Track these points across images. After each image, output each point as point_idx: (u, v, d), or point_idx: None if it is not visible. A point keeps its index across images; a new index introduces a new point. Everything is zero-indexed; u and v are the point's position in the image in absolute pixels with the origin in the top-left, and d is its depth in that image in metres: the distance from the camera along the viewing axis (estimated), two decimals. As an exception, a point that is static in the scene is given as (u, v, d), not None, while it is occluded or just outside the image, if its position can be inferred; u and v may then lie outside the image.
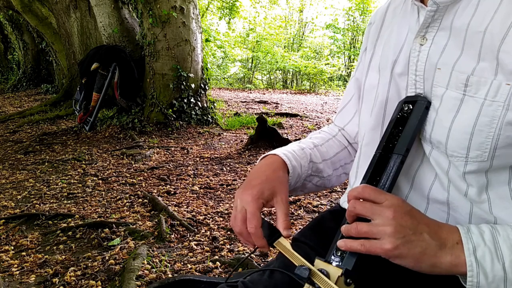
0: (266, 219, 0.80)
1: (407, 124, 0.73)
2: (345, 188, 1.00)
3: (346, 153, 1.03)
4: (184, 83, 6.10)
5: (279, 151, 0.90)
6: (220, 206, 3.09)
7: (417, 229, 0.62)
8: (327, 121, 7.45)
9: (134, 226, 2.69)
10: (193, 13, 6.13)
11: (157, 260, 2.24)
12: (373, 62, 0.88)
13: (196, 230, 2.65)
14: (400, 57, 0.79)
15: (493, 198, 0.68)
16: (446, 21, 0.71)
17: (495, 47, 0.64)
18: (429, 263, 0.62)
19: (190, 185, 3.58)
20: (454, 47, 0.69)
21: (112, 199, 3.26)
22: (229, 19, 17.48)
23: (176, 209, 2.98)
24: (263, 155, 0.92)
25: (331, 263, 0.67)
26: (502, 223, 0.67)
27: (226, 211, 2.96)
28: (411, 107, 0.74)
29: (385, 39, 0.86)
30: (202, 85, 6.40)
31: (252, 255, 2.29)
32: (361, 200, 0.67)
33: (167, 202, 3.12)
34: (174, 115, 6.02)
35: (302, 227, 1.38)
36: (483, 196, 0.69)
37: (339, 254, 0.68)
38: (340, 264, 0.66)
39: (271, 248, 0.77)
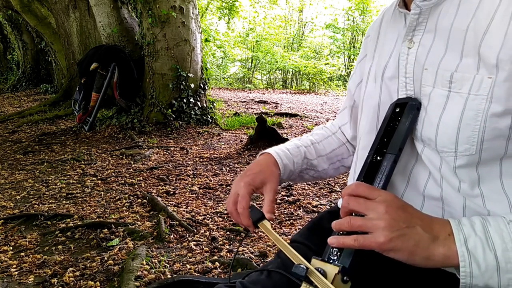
0: (255, 204, 0.90)
1: (399, 125, 0.75)
2: (344, 188, 1.02)
3: (344, 149, 1.11)
4: (184, 83, 6.09)
5: (273, 150, 1.00)
6: (220, 206, 3.08)
7: (410, 223, 0.64)
8: (327, 121, 7.45)
9: (133, 227, 2.68)
10: (193, 13, 6.13)
11: (156, 260, 2.24)
12: (371, 73, 0.91)
13: (195, 230, 2.65)
14: (390, 61, 0.82)
15: (486, 192, 0.70)
16: (431, 23, 0.74)
17: (477, 43, 0.67)
18: (423, 255, 0.62)
19: (190, 185, 3.58)
20: (439, 46, 0.72)
21: (111, 199, 3.25)
22: (229, 19, 17.49)
23: (175, 209, 2.97)
24: (261, 152, 1.02)
25: (328, 262, 0.68)
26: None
27: (225, 211, 2.95)
28: (402, 109, 0.76)
29: (380, 49, 0.90)
30: (201, 85, 6.40)
31: (251, 255, 2.28)
32: (355, 196, 0.68)
33: (166, 202, 3.11)
34: (173, 115, 6.02)
35: (301, 227, 1.38)
36: (475, 191, 0.70)
37: (335, 252, 0.69)
38: (337, 262, 0.67)
39: (256, 229, 0.88)
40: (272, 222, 0.87)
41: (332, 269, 0.66)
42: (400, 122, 0.75)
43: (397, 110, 0.77)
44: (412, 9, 0.75)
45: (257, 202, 3.09)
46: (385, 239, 0.62)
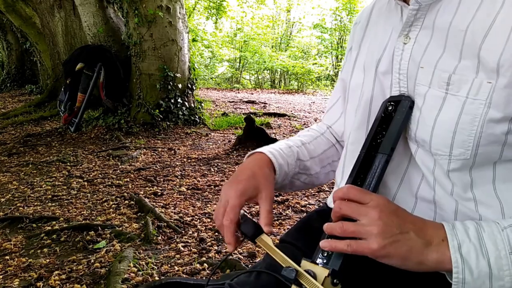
0: (249, 216, 0.79)
1: (391, 123, 0.73)
2: (333, 188, 1.00)
3: (334, 150, 1.04)
4: (171, 83, 6.05)
5: (266, 149, 0.90)
6: (208, 207, 3.06)
7: (403, 228, 0.62)
8: (315, 120, 7.47)
9: (120, 228, 2.65)
10: (180, 13, 6.09)
11: (143, 262, 2.21)
12: (358, 62, 0.88)
13: (183, 231, 2.62)
14: (384, 55, 0.79)
15: (478, 196, 0.69)
16: (428, 20, 0.72)
17: (476, 46, 0.64)
18: (416, 261, 0.62)
19: (177, 186, 3.55)
20: (436, 45, 0.70)
21: (98, 201, 3.21)
22: (216, 19, 17.43)
23: (163, 211, 2.95)
24: (250, 152, 0.92)
25: (317, 264, 0.67)
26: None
27: (213, 212, 2.93)
28: (395, 107, 0.74)
29: (371, 38, 0.87)
30: (189, 85, 6.37)
31: (240, 256, 2.27)
32: (346, 200, 0.67)
33: (154, 204, 3.08)
34: (161, 116, 5.97)
35: (290, 227, 1.37)
36: (468, 195, 0.69)
37: (325, 254, 0.67)
38: (327, 264, 0.66)
39: (251, 245, 0.79)
40: (271, 236, 0.75)
41: (322, 272, 0.65)
42: (392, 121, 0.73)
43: (390, 108, 0.75)
44: (411, 4, 0.72)
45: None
46: (378, 246, 0.61)
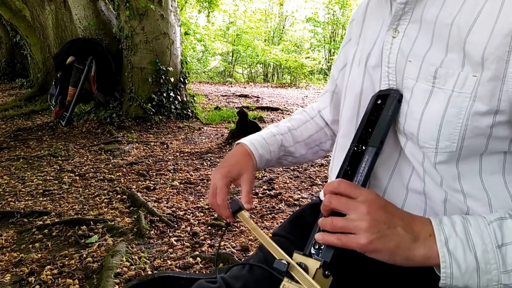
0: (234, 197, 0.93)
1: (380, 117, 0.74)
2: (326, 182, 1.01)
3: (322, 133, 1.11)
4: (163, 77, 6.02)
5: (249, 140, 1.00)
6: (201, 201, 3.06)
7: (391, 223, 0.63)
8: (308, 114, 7.47)
9: (113, 223, 2.64)
10: (172, 6, 6.05)
11: (136, 257, 2.21)
12: (356, 58, 0.89)
13: (176, 225, 2.62)
14: (374, 49, 0.81)
15: (466, 189, 0.70)
16: (416, 14, 0.73)
17: (462, 39, 0.65)
18: (404, 256, 0.62)
19: (170, 180, 3.54)
20: (424, 39, 0.71)
21: (90, 196, 3.19)
22: (209, 12, 17.32)
23: (156, 205, 2.94)
24: (236, 142, 1.03)
25: (309, 256, 0.67)
26: (475, 214, 0.68)
27: (206, 206, 2.93)
28: (384, 100, 0.75)
29: (364, 33, 0.88)
30: (181, 79, 6.33)
31: (233, 250, 2.27)
32: (336, 194, 0.68)
33: (147, 198, 3.07)
34: (153, 110, 5.94)
35: (283, 221, 1.38)
36: (456, 187, 0.70)
37: (317, 247, 0.68)
38: (319, 256, 0.67)
39: (236, 219, 0.90)
40: (250, 212, 0.87)
41: (313, 264, 0.65)
42: (382, 114, 0.74)
43: (379, 102, 0.75)
44: None
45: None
46: (366, 241, 0.62)
